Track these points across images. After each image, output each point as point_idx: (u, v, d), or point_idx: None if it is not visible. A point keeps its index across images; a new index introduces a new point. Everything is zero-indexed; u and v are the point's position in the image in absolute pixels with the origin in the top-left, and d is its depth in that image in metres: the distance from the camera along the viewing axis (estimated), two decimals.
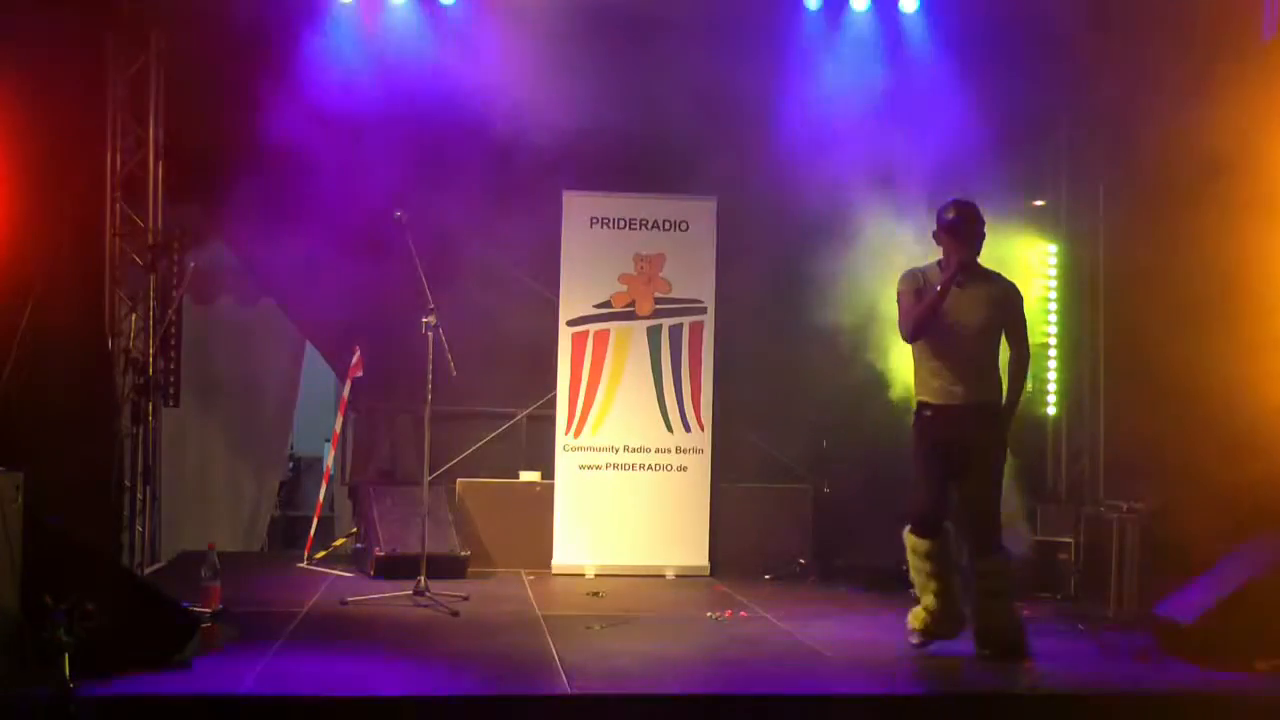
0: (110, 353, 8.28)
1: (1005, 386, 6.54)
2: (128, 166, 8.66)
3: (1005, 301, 6.54)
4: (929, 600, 6.54)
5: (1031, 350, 6.65)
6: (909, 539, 6.54)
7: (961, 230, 6.42)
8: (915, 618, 6.60)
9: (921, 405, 6.56)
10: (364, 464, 9.78)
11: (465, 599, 7.66)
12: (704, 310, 9.21)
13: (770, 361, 9.34)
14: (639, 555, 9.09)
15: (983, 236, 6.49)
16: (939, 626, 6.53)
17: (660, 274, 9.18)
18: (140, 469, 8.68)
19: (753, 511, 9.26)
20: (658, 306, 9.16)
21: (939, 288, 6.39)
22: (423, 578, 7.60)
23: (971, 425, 6.42)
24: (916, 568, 6.56)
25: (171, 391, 9.02)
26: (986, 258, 6.56)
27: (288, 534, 11.14)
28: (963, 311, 6.43)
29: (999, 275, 6.61)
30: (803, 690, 5.82)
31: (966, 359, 6.44)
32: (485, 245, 9.32)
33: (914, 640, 6.56)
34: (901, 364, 7.93)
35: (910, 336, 6.53)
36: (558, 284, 9.17)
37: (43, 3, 7.42)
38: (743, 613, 7.67)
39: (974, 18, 8.91)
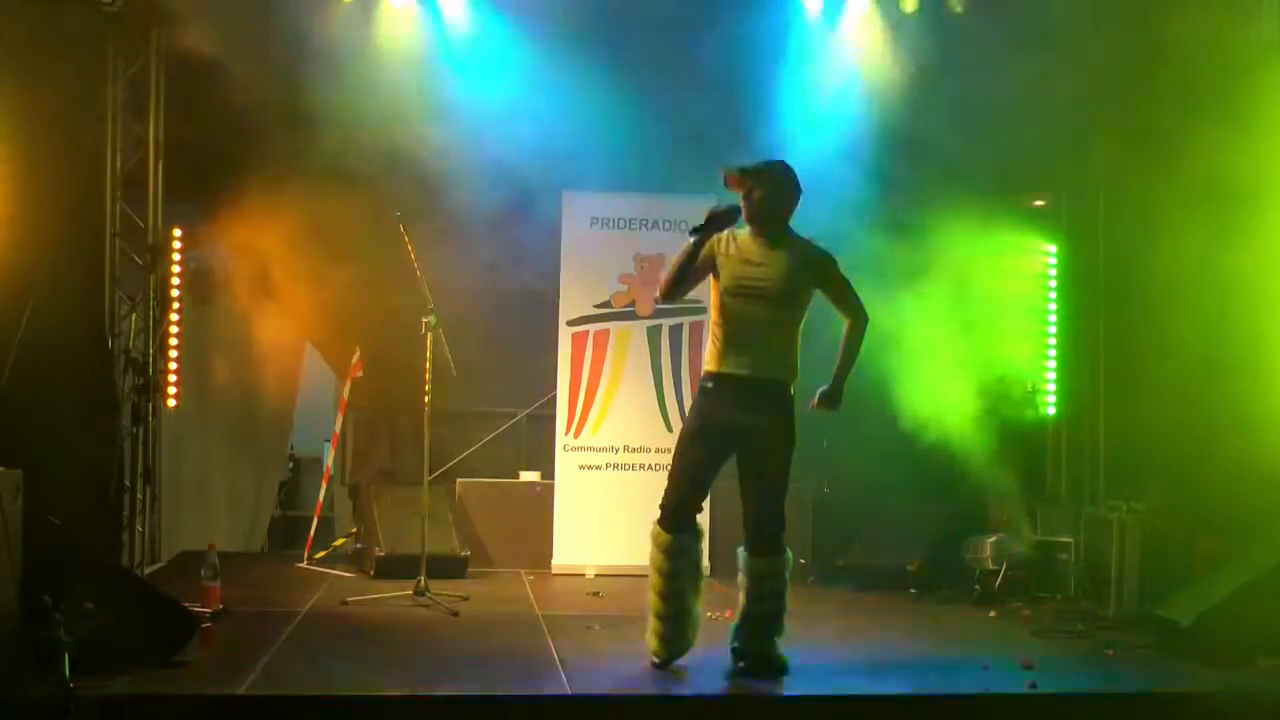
0: (110, 353, 8.28)
1: (838, 362, 5.98)
2: (128, 166, 8.66)
3: (812, 268, 5.93)
4: (659, 606, 5.93)
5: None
6: (654, 532, 5.97)
7: (745, 181, 5.87)
8: (649, 637, 6.00)
9: (705, 376, 5.97)
10: (364, 464, 9.78)
11: (465, 599, 7.66)
12: (704, 310, 9.13)
13: None
14: (639, 555, 8.87)
15: (778, 196, 5.91)
16: (674, 646, 5.94)
17: (661, 274, 9.15)
18: (140, 469, 8.69)
19: None
20: (658, 306, 9.15)
21: (693, 234, 5.80)
22: (423, 578, 7.61)
23: (757, 404, 5.85)
24: (655, 568, 5.96)
25: (171, 391, 9.03)
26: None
27: (288, 534, 11.14)
28: (759, 275, 5.86)
29: (809, 242, 5.99)
30: (803, 690, 5.82)
31: (758, 328, 5.85)
32: (485, 245, 9.30)
33: (654, 661, 5.97)
34: (900, 363, 7.94)
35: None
36: (558, 284, 9.17)
37: (43, 2, 7.42)
38: None
39: (971, 17, 8.91)
